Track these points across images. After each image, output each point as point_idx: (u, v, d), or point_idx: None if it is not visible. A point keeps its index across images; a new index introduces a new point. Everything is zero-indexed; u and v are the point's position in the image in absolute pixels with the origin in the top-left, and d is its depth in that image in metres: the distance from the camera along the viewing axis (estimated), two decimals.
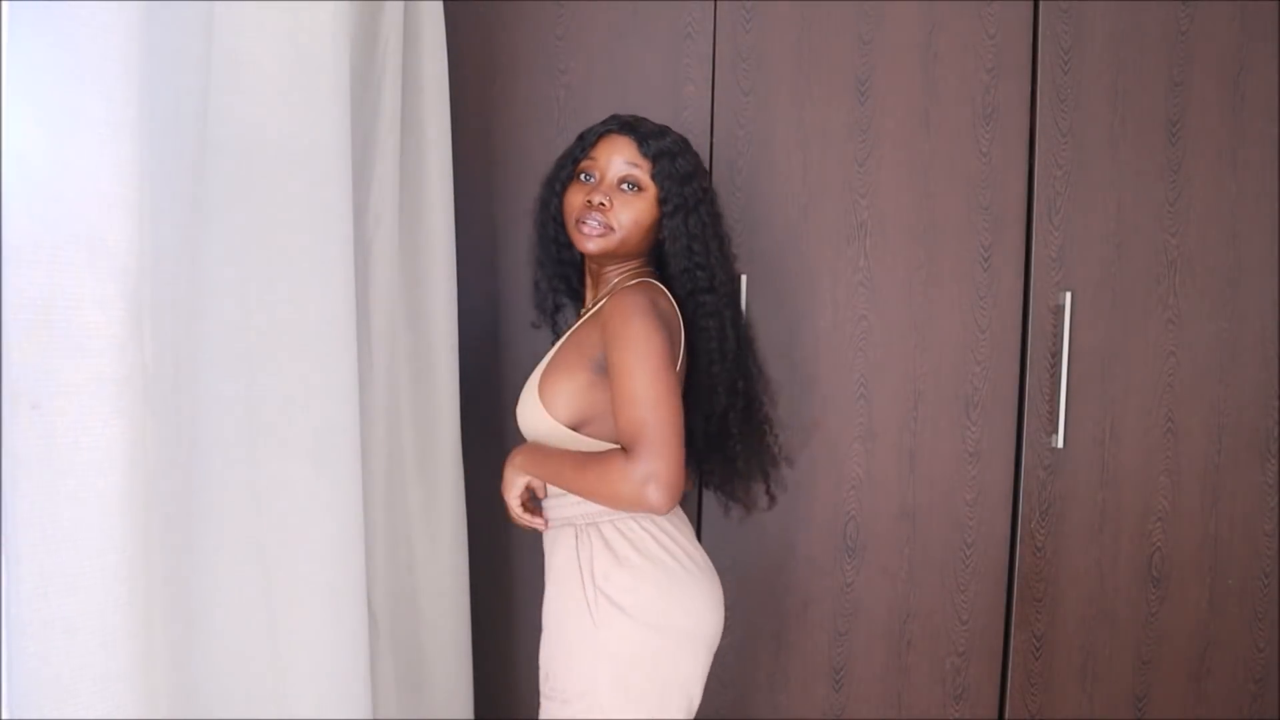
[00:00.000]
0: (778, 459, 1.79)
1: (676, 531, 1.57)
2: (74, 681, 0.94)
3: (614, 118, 1.63)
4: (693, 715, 1.55)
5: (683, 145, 1.61)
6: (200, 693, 1.25)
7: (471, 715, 1.95)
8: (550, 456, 1.54)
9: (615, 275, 1.64)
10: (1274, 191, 1.95)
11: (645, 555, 1.52)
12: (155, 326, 1.05)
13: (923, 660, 2.06)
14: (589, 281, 1.70)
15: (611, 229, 1.56)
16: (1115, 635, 2.03)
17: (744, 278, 1.95)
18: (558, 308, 1.79)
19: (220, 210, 1.26)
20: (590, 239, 1.57)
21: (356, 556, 1.48)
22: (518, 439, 1.95)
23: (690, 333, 1.60)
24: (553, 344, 1.70)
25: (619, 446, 1.46)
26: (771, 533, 2.03)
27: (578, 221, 1.58)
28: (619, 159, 1.58)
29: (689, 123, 1.99)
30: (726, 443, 1.69)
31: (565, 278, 1.76)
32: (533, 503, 1.61)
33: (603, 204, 1.56)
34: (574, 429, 1.53)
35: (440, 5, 1.83)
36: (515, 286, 2.09)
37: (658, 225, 1.60)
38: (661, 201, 1.57)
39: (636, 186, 1.58)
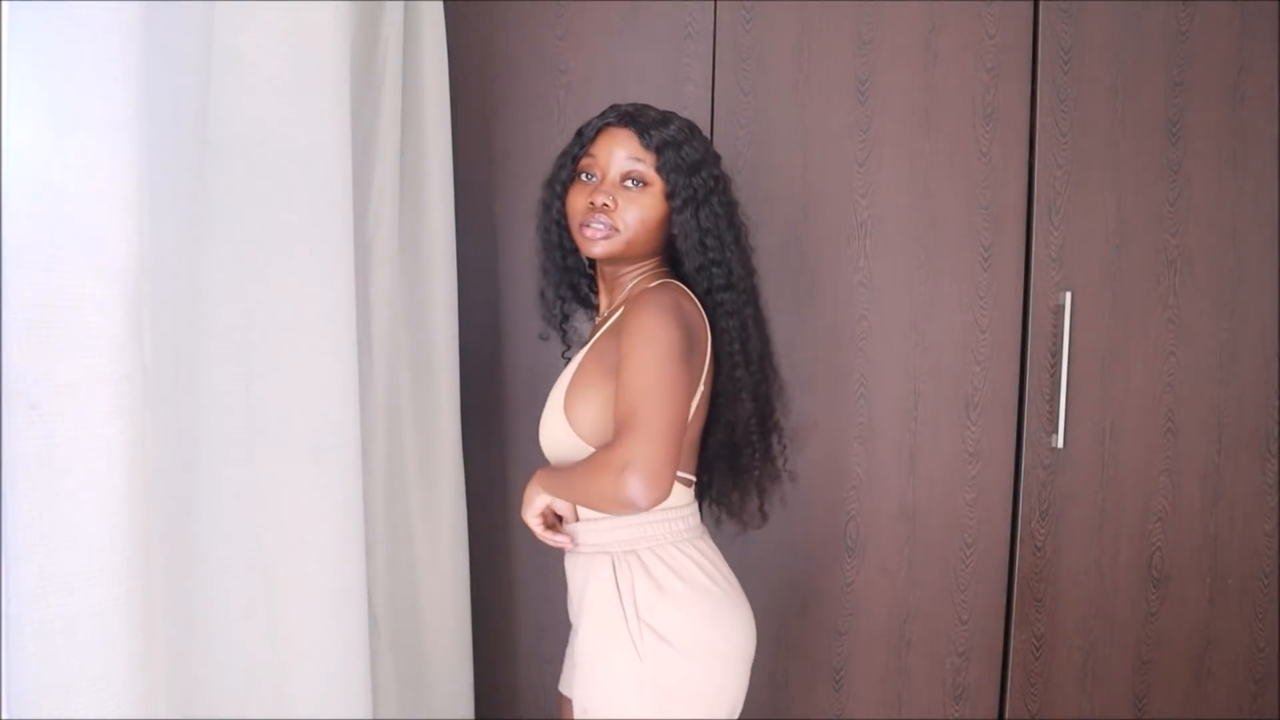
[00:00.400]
0: (781, 473, 1.66)
1: (713, 554, 1.51)
2: (74, 681, 0.94)
3: (613, 109, 1.51)
4: None
5: (688, 132, 1.48)
6: (200, 693, 1.25)
7: (472, 715, 1.95)
8: (562, 470, 1.45)
9: (630, 278, 1.53)
10: (1274, 191, 1.95)
11: (688, 582, 1.45)
12: (155, 326, 1.05)
13: (923, 660, 2.06)
14: (601, 287, 1.59)
15: (617, 230, 1.45)
16: (1115, 635, 2.03)
17: None
18: (566, 317, 1.66)
19: (220, 210, 1.26)
20: (595, 243, 1.45)
21: (357, 556, 1.48)
22: (518, 438, 1.96)
23: (712, 335, 1.50)
24: (563, 353, 1.66)
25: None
26: (771, 533, 2.03)
27: (581, 225, 1.47)
28: (620, 153, 1.46)
29: None
30: (742, 453, 1.56)
31: (573, 285, 1.64)
32: (556, 520, 1.53)
33: (606, 204, 1.44)
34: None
35: (440, 5, 1.84)
36: (515, 286, 2.09)
37: (668, 220, 1.48)
38: (669, 195, 1.46)
39: (641, 182, 1.46)
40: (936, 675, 2.06)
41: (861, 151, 2.00)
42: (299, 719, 1.39)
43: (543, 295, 1.64)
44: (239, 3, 1.26)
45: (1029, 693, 2.04)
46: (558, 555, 1.59)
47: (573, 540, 1.50)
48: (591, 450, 1.44)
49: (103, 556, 0.95)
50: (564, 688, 1.63)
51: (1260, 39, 1.93)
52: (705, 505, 1.67)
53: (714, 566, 1.50)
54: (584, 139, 1.51)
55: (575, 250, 1.57)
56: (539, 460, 1.57)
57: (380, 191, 1.68)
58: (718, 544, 1.62)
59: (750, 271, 1.54)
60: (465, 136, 2.01)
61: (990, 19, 1.96)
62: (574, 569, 1.54)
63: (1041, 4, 1.95)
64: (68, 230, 0.94)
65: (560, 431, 1.46)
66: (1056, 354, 1.97)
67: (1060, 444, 1.97)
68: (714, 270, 1.48)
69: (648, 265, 1.53)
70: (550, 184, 1.55)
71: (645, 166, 1.46)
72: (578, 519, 1.51)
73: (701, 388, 1.47)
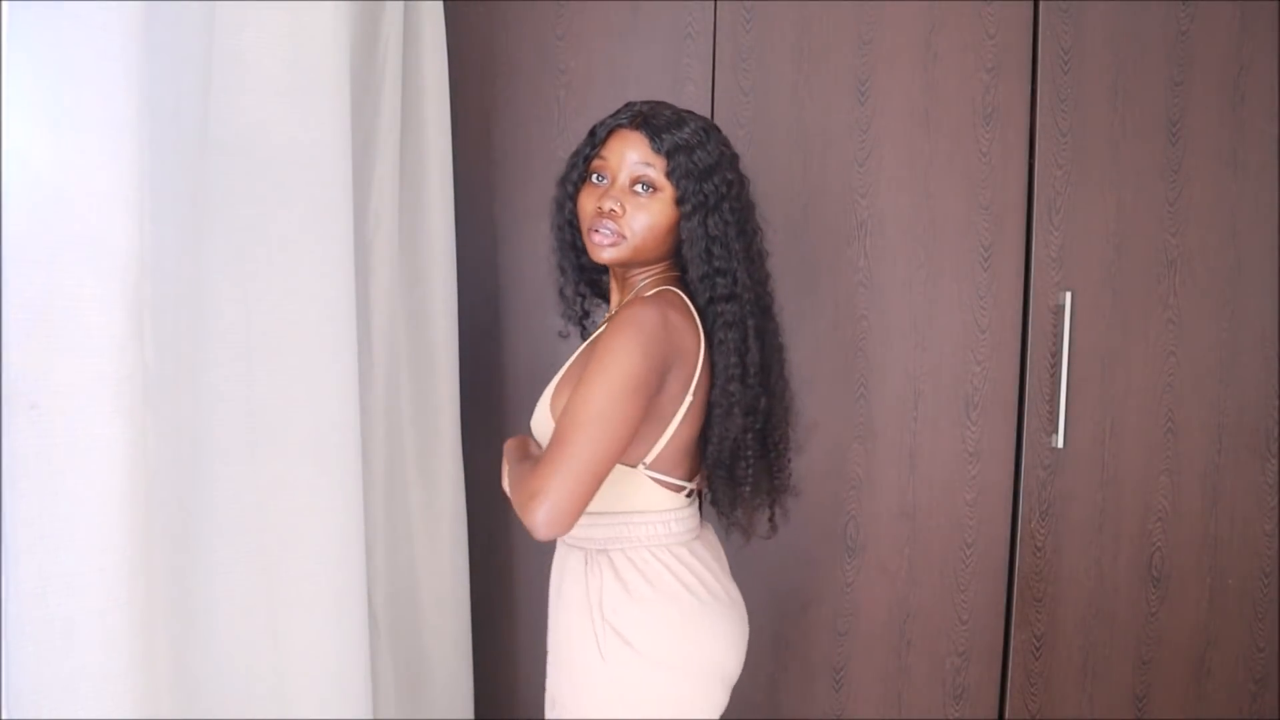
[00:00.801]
0: (787, 486, 1.63)
1: (698, 562, 1.48)
2: (74, 681, 0.94)
3: (628, 107, 1.46)
4: None
5: (703, 135, 1.43)
6: (201, 692, 1.25)
7: (472, 715, 1.95)
8: (522, 450, 1.45)
9: (639, 279, 1.50)
10: (1274, 191, 1.95)
11: (657, 588, 1.43)
12: (155, 326, 1.05)
13: (923, 660, 2.06)
14: (614, 284, 1.56)
15: (624, 237, 1.41)
16: (1115, 635, 2.03)
17: None
18: (586, 313, 1.64)
19: (220, 210, 1.26)
20: (602, 249, 1.43)
21: (357, 556, 1.48)
22: None
23: (710, 345, 1.46)
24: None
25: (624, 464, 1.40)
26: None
27: (589, 229, 1.44)
28: (631, 157, 1.42)
29: None
30: (737, 465, 1.51)
31: (591, 282, 1.62)
32: None
33: (613, 210, 1.41)
34: None
35: (440, 5, 1.84)
36: (515, 286, 2.09)
37: (678, 226, 1.44)
38: (679, 202, 1.42)
39: (651, 187, 1.42)
40: (936, 675, 2.06)
41: (861, 151, 2.00)
42: (299, 718, 1.39)
43: (561, 293, 1.62)
44: (239, 2, 1.26)
45: (1029, 693, 2.04)
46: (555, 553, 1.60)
47: None
48: None
49: (103, 556, 0.95)
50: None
51: (1260, 39, 1.93)
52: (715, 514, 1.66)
53: (694, 575, 1.46)
54: (596, 139, 1.47)
55: (577, 246, 1.56)
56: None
57: (380, 191, 1.68)
58: (727, 552, 1.62)
59: (760, 280, 1.50)
60: (465, 136, 2.01)
61: (990, 19, 1.96)
62: (555, 560, 1.54)
63: (1041, 4, 1.95)
64: (68, 230, 0.94)
65: (543, 424, 1.45)
66: (1056, 354, 1.97)
67: (1060, 444, 1.97)
68: (718, 280, 1.44)
69: (657, 269, 1.51)
70: (563, 183, 1.53)
71: (655, 171, 1.42)
72: None
73: (690, 397, 1.43)
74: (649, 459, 1.44)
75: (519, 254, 2.07)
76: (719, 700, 1.48)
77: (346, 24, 1.43)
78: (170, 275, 1.14)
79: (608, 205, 1.42)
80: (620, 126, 1.45)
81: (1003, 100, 1.96)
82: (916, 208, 1.99)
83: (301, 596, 1.40)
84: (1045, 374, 1.98)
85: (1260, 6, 1.92)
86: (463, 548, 1.92)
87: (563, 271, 1.60)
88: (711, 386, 1.46)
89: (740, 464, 1.51)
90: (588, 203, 1.46)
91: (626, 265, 1.48)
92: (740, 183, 1.48)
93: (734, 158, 1.49)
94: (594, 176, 1.46)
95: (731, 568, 1.65)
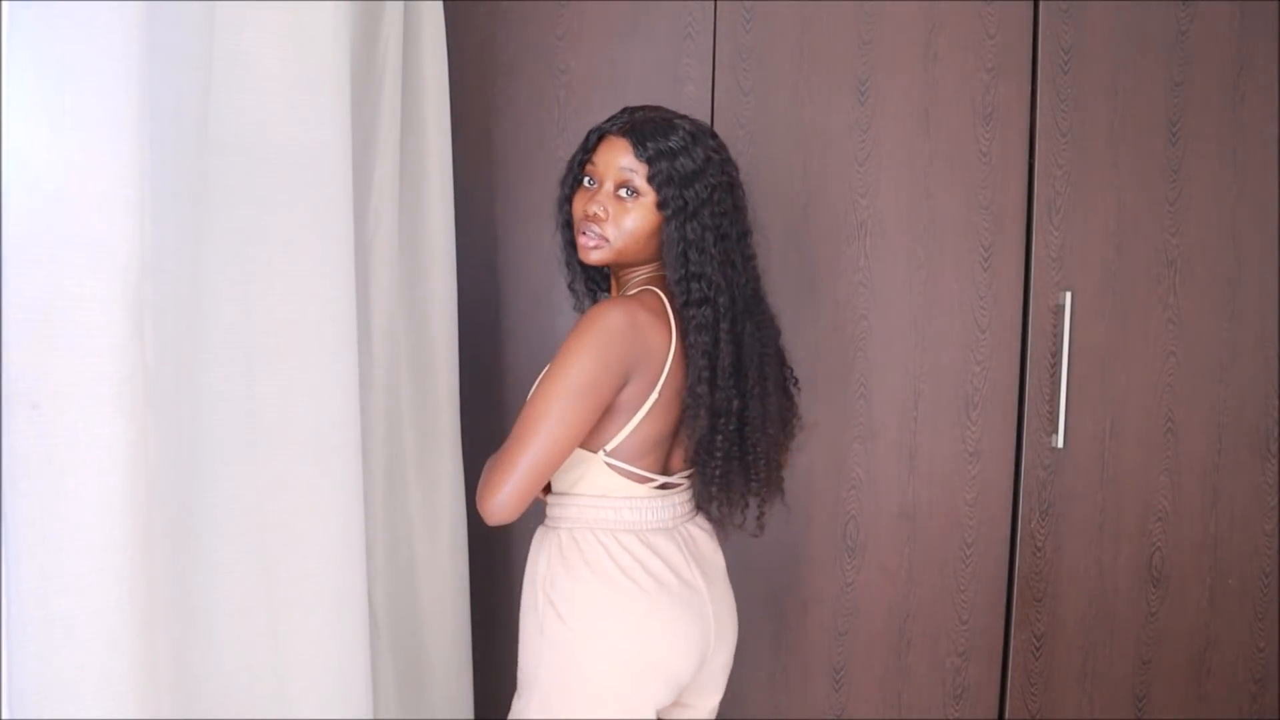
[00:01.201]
0: (771, 489, 1.65)
1: (648, 551, 1.49)
2: (75, 681, 0.94)
3: (623, 112, 1.53)
4: None
5: (689, 140, 1.48)
6: (201, 693, 1.25)
7: (472, 715, 1.95)
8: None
9: (629, 278, 1.57)
10: (1274, 191, 1.95)
11: (594, 569, 1.47)
12: (156, 326, 1.05)
13: (923, 660, 2.06)
14: (614, 281, 1.62)
15: (606, 240, 1.48)
16: (1115, 635, 2.03)
17: None
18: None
19: (221, 210, 1.26)
20: (588, 250, 1.50)
21: (357, 556, 1.48)
22: None
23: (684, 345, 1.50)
24: None
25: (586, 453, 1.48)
26: (771, 533, 2.03)
27: (578, 232, 1.52)
28: (616, 162, 1.48)
29: None
30: (706, 465, 1.54)
31: (598, 275, 1.70)
32: None
33: (597, 214, 1.48)
34: None
35: (440, 5, 1.84)
36: (516, 286, 2.09)
37: (662, 228, 1.49)
38: (659, 207, 1.47)
39: (634, 192, 1.48)
40: (936, 675, 2.06)
41: (861, 151, 2.00)
42: (299, 718, 1.39)
43: (571, 287, 1.71)
44: (239, 2, 1.26)
45: (1029, 693, 2.04)
46: None
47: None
48: None
49: (104, 556, 0.95)
50: None
51: (1260, 39, 1.93)
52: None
53: (638, 563, 1.48)
54: (589, 144, 1.54)
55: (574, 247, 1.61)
56: None
57: (380, 191, 1.68)
58: (728, 551, 1.63)
59: (744, 283, 1.54)
60: (465, 136, 2.01)
61: (990, 19, 1.96)
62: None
63: (1041, 4, 1.95)
64: (68, 230, 0.94)
65: None
66: (1056, 354, 1.97)
67: (1060, 444, 1.97)
68: (692, 285, 1.48)
69: (647, 269, 1.56)
70: (561, 185, 1.60)
71: (638, 177, 1.48)
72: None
73: (655, 394, 1.47)
74: (609, 446, 1.48)
75: (519, 254, 2.07)
76: (654, 694, 1.49)
77: (346, 24, 1.43)
78: (170, 275, 1.14)
79: (592, 209, 1.49)
80: (609, 133, 1.51)
81: (1003, 100, 1.96)
82: (916, 208, 1.99)
83: (301, 596, 1.39)
84: (1045, 374, 1.98)
85: (1260, 6, 1.92)
86: (463, 547, 1.92)
87: (569, 267, 1.67)
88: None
89: (710, 463, 1.53)
90: (578, 205, 1.54)
91: (615, 266, 1.56)
92: (725, 188, 1.51)
93: (723, 163, 1.52)
94: (586, 180, 1.54)
95: (731, 568, 1.65)
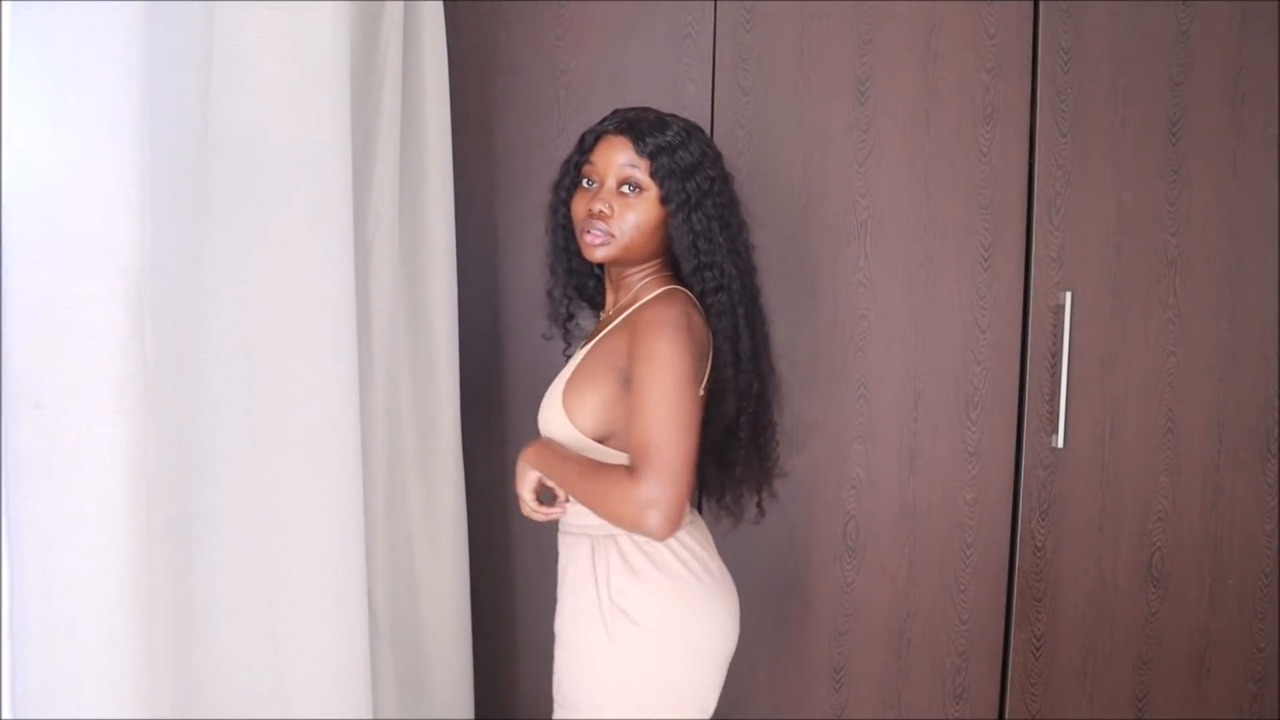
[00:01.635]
0: (773, 471, 1.70)
1: (695, 544, 1.54)
2: (77, 681, 0.94)
3: (614, 114, 1.56)
4: None
5: (684, 136, 1.51)
6: (201, 693, 1.25)
7: (472, 715, 1.95)
8: (561, 458, 1.49)
9: (636, 279, 1.58)
10: (1274, 191, 1.95)
11: (661, 569, 1.49)
12: (157, 326, 1.05)
13: (923, 660, 2.06)
14: (608, 285, 1.63)
15: (613, 236, 1.50)
16: (1115, 635, 2.03)
17: None
18: (571, 316, 1.71)
19: (221, 210, 1.26)
20: (595, 249, 1.51)
21: (357, 556, 1.48)
22: (518, 438, 1.95)
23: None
24: (564, 350, 1.69)
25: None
26: (771, 533, 2.03)
27: (582, 231, 1.52)
28: (617, 160, 1.50)
29: None
30: (730, 448, 1.62)
31: (579, 286, 1.70)
32: (544, 495, 1.57)
33: (603, 211, 1.49)
34: (598, 441, 1.48)
35: (440, 5, 1.84)
36: (516, 286, 2.09)
37: (665, 224, 1.52)
38: (663, 200, 1.50)
39: (636, 187, 1.50)
40: (936, 675, 2.06)
41: (861, 151, 2.00)
42: (299, 718, 1.39)
43: (550, 294, 1.70)
44: (239, 2, 1.26)
45: (1029, 693, 2.04)
46: (555, 553, 1.60)
47: (562, 507, 1.56)
48: (586, 440, 1.48)
49: (106, 556, 0.95)
50: None
51: (1260, 39, 1.93)
52: (701, 498, 1.73)
53: (694, 557, 1.52)
54: (584, 146, 1.56)
55: (580, 253, 1.60)
56: None
57: (380, 191, 1.68)
58: (725, 530, 1.67)
59: (747, 271, 1.59)
60: (465, 136, 2.01)
61: (990, 19, 1.96)
62: (561, 548, 1.59)
63: (1041, 4, 1.95)
64: (70, 230, 0.94)
65: (557, 424, 1.51)
66: (1056, 354, 1.97)
67: (1060, 444, 1.97)
68: (706, 274, 1.53)
69: (651, 267, 1.58)
70: (556, 189, 1.61)
71: (640, 172, 1.50)
72: (568, 499, 1.56)
73: (702, 388, 1.51)
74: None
75: (519, 254, 2.07)
76: (718, 676, 1.55)
77: (346, 24, 1.43)
78: (171, 275, 1.14)
79: (597, 207, 1.50)
80: (606, 133, 1.53)
81: (1003, 100, 1.96)
82: (916, 208, 1.99)
83: (301, 596, 1.39)
84: (1045, 374, 1.98)
85: (1260, 6, 1.92)
86: (463, 548, 1.92)
87: (554, 273, 1.68)
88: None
89: (732, 447, 1.61)
90: (579, 206, 1.55)
91: (619, 264, 1.56)
92: (723, 179, 1.56)
93: (716, 156, 1.57)
94: (584, 181, 1.55)
95: (731, 567, 1.66)
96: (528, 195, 2.05)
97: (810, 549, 2.06)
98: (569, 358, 1.61)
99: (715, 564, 1.57)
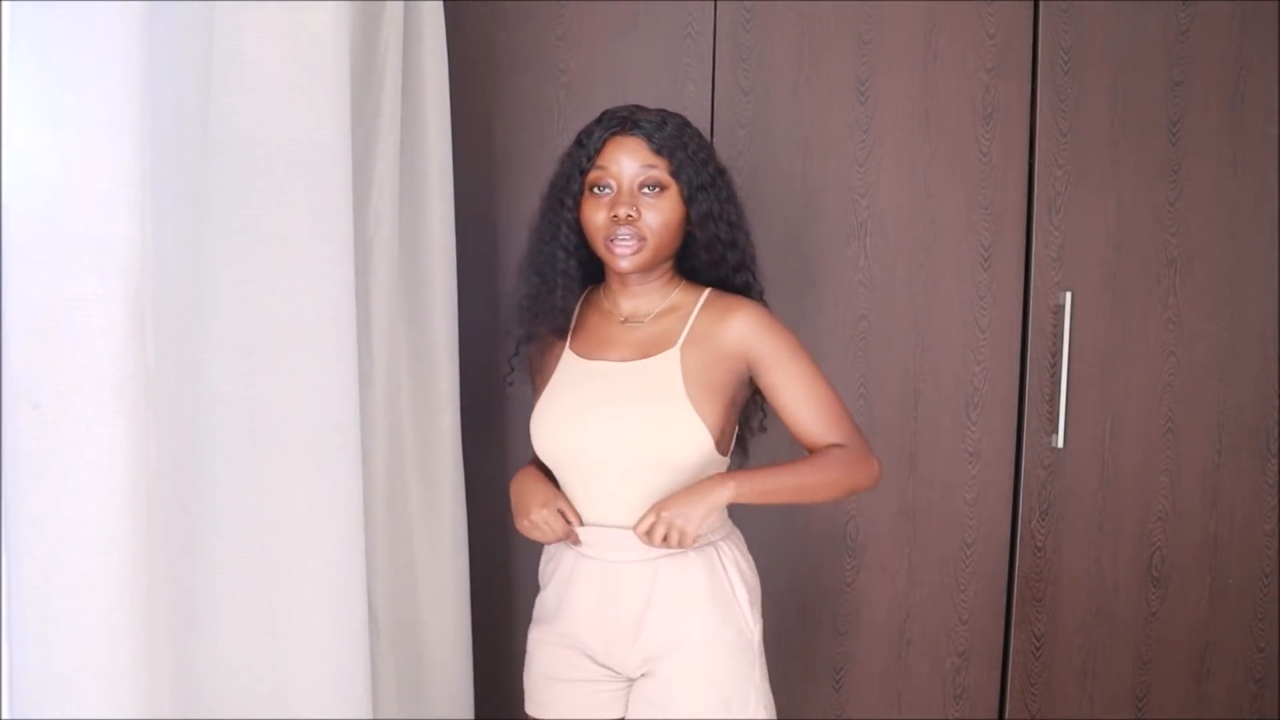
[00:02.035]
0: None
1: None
2: (77, 681, 0.94)
3: (609, 115, 1.52)
4: None
5: (683, 125, 1.52)
6: (201, 693, 1.25)
7: (472, 716, 1.95)
8: (767, 475, 1.51)
9: (659, 282, 1.57)
10: (1274, 191, 1.95)
11: (748, 557, 1.62)
12: (157, 326, 1.05)
13: (923, 660, 2.06)
14: (618, 292, 1.58)
15: (644, 239, 1.47)
16: (1115, 635, 2.03)
17: None
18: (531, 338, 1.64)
19: (221, 209, 1.26)
20: (625, 258, 1.47)
21: (357, 556, 1.48)
22: (518, 438, 1.94)
23: None
24: (508, 376, 1.71)
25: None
26: (771, 533, 2.03)
27: (606, 239, 1.48)
28: (633, 163, 1.47)
29: None
30: (745, 436, 1.70)
31: (567, 311, 1.61)
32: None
33: (630, 215, 1.46)
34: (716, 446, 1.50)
35: (440, 5, 1.83)
36: None
37: (685, 219, 1.51)
38: (689, 199, 1.49)
39: (658, 186, 1.48)
40: (936, 675, 2.06)
41: (861, 151, 2.00)
42: (299, 718, 1.39)
43: (556, 306, 1.58)
44: (240, 2, 1.26)
45: (1029, 693, 2.04)
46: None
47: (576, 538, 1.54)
48: (714, 452, 1.50)
49: (105, 556, 0.95)
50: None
51: (1260, 39, 1.93)
52: None
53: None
54: (589, 150, 1.50)
55: (583, 263, 1.58)
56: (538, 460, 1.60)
57: (381, 190, 1.68)
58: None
59: (755, 255, 1.64)
60: (465, 136, 2.01)
61: (990, 19, 1.96)
62: (625, 580, 1.51)
63: (1041, 4, 1.95)
64: (70, 230, 0.94)
65: (695, 439, 1.47)
66: (1056, 354, 1.97)
67: (1060, 444, 1.97)
68: (729, 255, 1.56)
69: (669, 266, 1.58)
70: (561, 195, 1.54)
71: (660, 171, 1.48)
72: (582, 523, 1.52)
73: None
74: (727, 449, 1.57)
75: (519, 254, 2.06)
76: None
77: (346, 24, 1.43)
78: (171, 275, 1.14)
79: (624, 212, 1.46)
80: (616, 134, 1.49)
81: (1003, 100, 1.96)
82: (916, 208, 1.99)
83: (301, 596, 1.39)
84: (1045, 374, 1.98)
85: (1260, 6, 1.92)
86: (463, 548, 1.92)
87: (565, 277, 1.57)
88: None
89: (750, 434, 1.72)
90: (595, 215, 1.49)
91: (645, 270, 1.53)
92: (718, 160, 1.58)
93: (703, 134, 1.59)
94: (594, 188, 1.50)
95: None
96: (528, 195, 2.04)
97: (810, 549, 2.06)
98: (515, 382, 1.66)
99: None
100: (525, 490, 1.57)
